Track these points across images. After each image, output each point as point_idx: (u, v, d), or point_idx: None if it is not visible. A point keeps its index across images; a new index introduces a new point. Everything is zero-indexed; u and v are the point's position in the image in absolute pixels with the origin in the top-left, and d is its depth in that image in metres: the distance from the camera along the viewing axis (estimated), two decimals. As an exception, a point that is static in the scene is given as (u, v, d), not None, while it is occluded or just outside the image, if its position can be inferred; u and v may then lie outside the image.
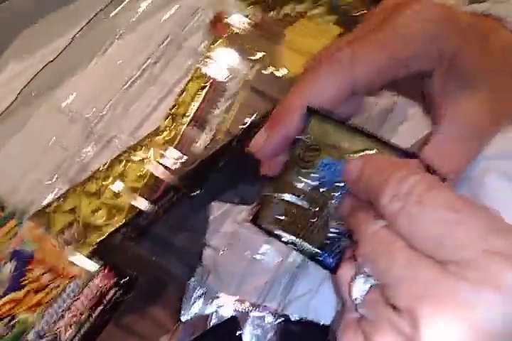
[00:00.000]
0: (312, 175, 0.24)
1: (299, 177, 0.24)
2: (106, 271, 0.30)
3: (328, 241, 0.24)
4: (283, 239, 0.25)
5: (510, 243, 0.16)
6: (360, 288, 0.19)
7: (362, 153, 0.23)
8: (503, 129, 0.29)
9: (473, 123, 0.25)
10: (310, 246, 0.24)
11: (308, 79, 0.24)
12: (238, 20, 0.45)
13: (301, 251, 0.24)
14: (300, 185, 0.24)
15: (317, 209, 0.24)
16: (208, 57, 0.44)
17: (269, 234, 0.25)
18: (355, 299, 0.20)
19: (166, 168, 0.37)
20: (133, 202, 0.35)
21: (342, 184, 0.23)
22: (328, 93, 0.24)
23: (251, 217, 0.25)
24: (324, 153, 0.24)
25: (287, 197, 0.25)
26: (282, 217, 0.25)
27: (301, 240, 0.24)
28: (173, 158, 0.38)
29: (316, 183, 0.24)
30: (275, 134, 0.24)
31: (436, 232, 0.17)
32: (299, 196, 0.24)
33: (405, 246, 0.18)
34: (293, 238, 0.24)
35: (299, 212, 0.24)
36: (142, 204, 0.35)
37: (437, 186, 0.18)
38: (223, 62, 0.44)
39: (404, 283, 0.17)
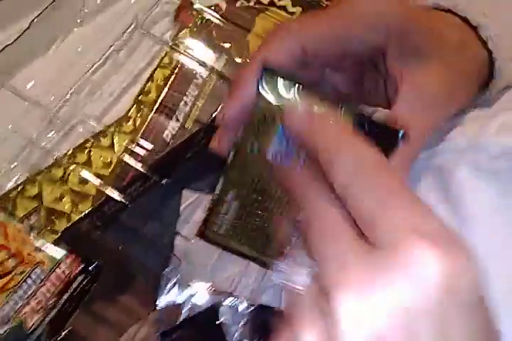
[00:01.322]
0: (272, 147, 0.22)
1: (255, 157, 0.23)
2: (72, 257, 0.30)
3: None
4: (238, 252, 0.23)
5: (433, 229, 0.17)
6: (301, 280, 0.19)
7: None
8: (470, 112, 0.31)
9: (431, 94, 0.26)
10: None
11: (260, 47, 0.26)
12: (204, 9, 0.45)
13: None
14: (255, 172, 0.23)
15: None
16: (174, 45, 0.44)
17: (222, 247, 0.23)
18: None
19: (133, 155, 0.37)
20: (99, 190, 0.34)
21: None
22: (279, 57, 0.25)
23: (198, 232, 0.23)
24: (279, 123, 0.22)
25: (242, 194, 0.23)
26: (235, 226, 0.23)
27: (259, 253, 0.22)
28: (140, 146, 0.38)
29: (275, 158, 0.22)
30: (233, 101, 0.25)
31: (373, 213, 0.17)
32: (256, 193, 0.23)
33: (345, 231, 0.18)
34: (249, 250, 0.22)
35: (255, 219, 0.23)
36: (109, 192, 0.35)
37: (383, 167, 0.18)
38: (190, 51, 0.44)
39: (339, 270, 0.17)
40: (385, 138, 0.22)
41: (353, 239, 0.18)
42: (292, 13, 0.46)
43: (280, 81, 0.22)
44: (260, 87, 0.23)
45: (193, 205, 0.35)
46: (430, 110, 0.26)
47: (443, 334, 0.16)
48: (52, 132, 0.38)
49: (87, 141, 0.37)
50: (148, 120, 0.39)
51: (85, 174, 0.35)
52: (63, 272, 0.29)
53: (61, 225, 0.32)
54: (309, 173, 0.20)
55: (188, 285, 0.24)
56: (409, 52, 0.26)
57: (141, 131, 0.39)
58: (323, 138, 0.20)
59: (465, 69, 0.27)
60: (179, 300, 0.30)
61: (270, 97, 0.23)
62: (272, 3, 0.46)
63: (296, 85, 0.22)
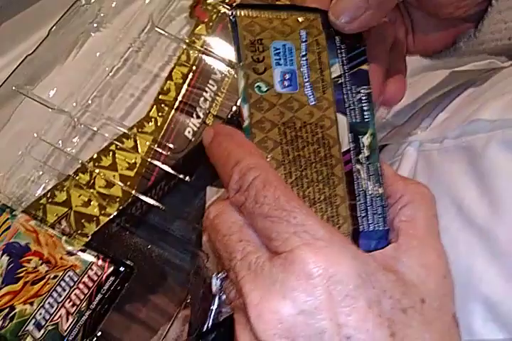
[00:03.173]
0: (275, 76, 0.24)
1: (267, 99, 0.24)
2: (103, 260, 0.31)
3: None
4: None
5: (317, 237, 0.20)
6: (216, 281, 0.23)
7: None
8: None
9: None
10: None
11: None
12: (219, 3, 0.45)
13: None
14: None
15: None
16: (191, 42, 0.45)
17: None
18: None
19: (157, 155, 0.38)
20: (126, 191, 0.35)
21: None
22: None
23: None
24: (268, 39, 0.24)
25: None
26: None
27: None
28: (163, 145, 0.38)
29: (284, 86, 0.24)
30: None
31: (265, 227, 0.20)
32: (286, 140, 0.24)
33: (240, 239, 0.21)
34: None
35: None
36: (135, 193, 0.35)
37: (271, 183, 0.21)
38: (207, 46, 0.44)
39: (239, 276, 0.20)
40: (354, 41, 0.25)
41: (256, 249, 0.21)
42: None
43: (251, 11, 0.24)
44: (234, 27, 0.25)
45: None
46: None
47: (337, 322, 0.19)
48: (77, 137, 0.39)
49: (110, 144, 0.38)
50: (170, 118, 0.40)
51: (111, 177, 0.36)
52: (95, 274, 0.30)
53: (91, 228, 0.33)
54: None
55: (217, 279, 0.24)
56: None
57: (163, 130, 0.39)
58: (222, 152, 0.22)
59: None
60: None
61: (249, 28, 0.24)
62: (287, -8, 0.46)
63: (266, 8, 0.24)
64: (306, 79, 0.24)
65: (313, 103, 0.24)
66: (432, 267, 0.21)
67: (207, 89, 0.43)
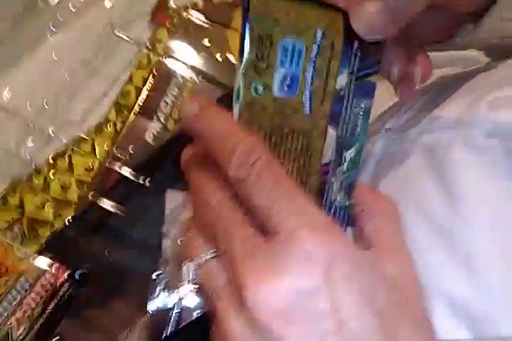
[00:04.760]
0: (276, 79, 0.22)
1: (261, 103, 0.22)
2: (58, 266, 0.30)
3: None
4: None
5: (315, 220, 0.20)
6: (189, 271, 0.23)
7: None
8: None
9: None
10: None
11: None
12: (181, 8, 0.46)
13: None
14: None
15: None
16: (152, 45, 0.45)
17: None
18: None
19: (115, 159, 0.37)
20: (82, 196, 0.35)
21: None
22: None
23: None
24: (278, 34, 0.22)
25: None
26: None
27: None
28: (122, 149, 0.38)
29: (283, 90, 0.22)
30: None
31: (265, 205, 0.20)
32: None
33: (241, 223, 0.21)
34: None
35: None
36: (92, 197, 0.35)
37: (274, 163, 0.21)
38: (169, 50, 0.44)
39: (238, 259, 0.20)
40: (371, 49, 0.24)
41: (252, 231, 0.21)
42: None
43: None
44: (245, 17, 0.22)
45: (180, 205, 0.35)
46: None
47: (334, 305, 0.19)
48: (31, 141, 0.38)
49: (67, 147, 0.38)
50: (129, 122, 0.40)
51: (67, 180, 0.35)
52: (49, 281, 0.29)
53: (44, 234, 0.32)
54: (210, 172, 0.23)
55: (177, 288, 0.24)
56: None
57: (122, 134, 0.39)
58: (217, 127, 0.22)
59: None
60: (169, 303, 0.30)
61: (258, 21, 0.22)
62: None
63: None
64: (308, 86, 0.23)
65: (307, 112, 0.23)
66: (406, 271, 0.22)
67: (167, 93, 0.43)
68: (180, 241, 0.27)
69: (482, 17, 0.28)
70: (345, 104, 0.24)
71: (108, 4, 0.47)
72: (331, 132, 0.24)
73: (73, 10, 0.46)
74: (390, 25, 0.24)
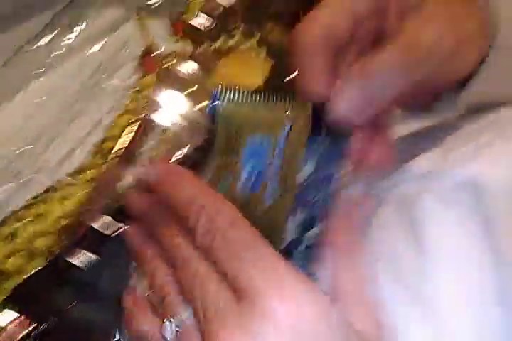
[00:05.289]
0: (242, 175, 0.24)
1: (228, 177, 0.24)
2: (21, 319, 0.28)
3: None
4: None
5: (282, 283, 0.21)
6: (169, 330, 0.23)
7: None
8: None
9: (417, 42, 0.24)
10: None
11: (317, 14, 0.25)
12: (168, 55, 0.46)
13: None
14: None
15: None
16: (138, 91, 0.45)
17: None
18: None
19: (89, 206, 0.36)
20: (51, 246, 0.33)
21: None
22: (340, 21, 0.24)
23: None
24: (246, 133, 0.24)
25: None
26: None
27: None
28: (99, 195, 0.37)
29: (247, 186, 0.24)
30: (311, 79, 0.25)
31: (233, 269, 0.21)
32: None
33: (213, 282, 0.22)
34: None
35: None
36: (61, 247, 0.34)
37: (237, 224, 0.22)
38: (154, 96, 0.44)
39: (211, 316, 0.21)
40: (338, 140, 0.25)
41: (224, 288, 0.21)
42: (257, 54, 0.47)
43: (236, 92, 0.24)
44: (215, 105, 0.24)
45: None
46: (424, 63, 0.24)
47: None
48: (5, 185, 0.37)
49: (42, 192, 0.37)
50: (108, 166, 0.39)
51: (36, 229, 0.34)
52: (10, 336, 0.28)
53: (9, 285, 0.31)
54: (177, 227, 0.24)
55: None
56: (410, 4, 0.25)
57: (101, 179, 0.38)
58: (181, 192, 0.23)
59: (475, 20, 0.26)
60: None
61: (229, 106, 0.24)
62: (236, 46, 0.47)
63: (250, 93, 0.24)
64: (273, 179, 0.24)
65: (269, 203, 0.24)
66: (373, 326, 0.23)
67: (150, 137, 0.42)
68: (147, 295, 0.27)
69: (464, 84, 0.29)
70: (308, 192, 0.25)
71: (96, 48, 0.47)
72: (293, 218, 0.25)
73: (60, 53, 0.47)
74: (367, 111, 0.24)
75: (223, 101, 0.24)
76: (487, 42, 0.27)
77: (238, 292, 0.21)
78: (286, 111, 0.24)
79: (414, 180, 0.29)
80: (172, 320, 0.23)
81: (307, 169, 0.25)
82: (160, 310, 0.24)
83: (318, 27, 0.24)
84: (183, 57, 0.46)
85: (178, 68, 0.46)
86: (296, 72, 0.24)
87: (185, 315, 0.23)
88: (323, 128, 0.24)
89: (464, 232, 0.26)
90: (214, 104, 0.24)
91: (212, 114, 0.24)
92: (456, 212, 0.27)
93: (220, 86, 0.24)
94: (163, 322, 0.23)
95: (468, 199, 0.27)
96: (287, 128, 0.24)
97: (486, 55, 0.27)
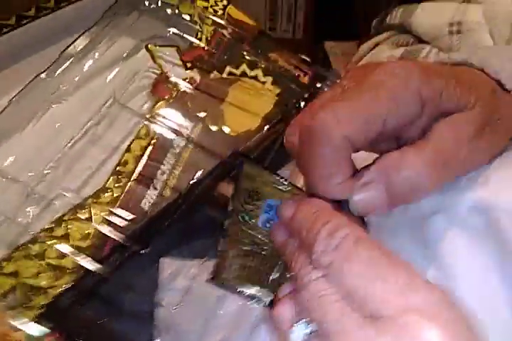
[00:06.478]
0: (261, 219, 0.27)
1: (248, 225, 0.27)
2: (53, 335, 0.30)
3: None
4: (246, 294, 0.26)
5: (426, 300, 0.19)
6: (299, 334, 0.21)
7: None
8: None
9: (449, 145, 0.24)
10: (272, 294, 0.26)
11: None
12: (179, 82, 0.49)
13: (265, 302, 0.26)
14: (252, 233, 0.27)
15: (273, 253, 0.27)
16: (151, 117, 0.47)
17: (231, 290, 0.27)
18: None
19: (112, 226, 0.38)
20: (79, 263, 0.35)
21: None
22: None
23: (211, 276, 0.27)
24: (265, 195, 0.27)
25: (243, 249, 0.27)
26: (242, 271, 0.27)
27: (265, 290, 0.26)
28: (118, 216, 0.39)
29: (265, 226, 0.27)
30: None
31: (361, 288, 0.19)
32: (253, 245, 0.27)
33: (337, 300, 0.20)
34: (257, 288, 0.26)
35: (257, 262, 0.27)
36: (88, 264, 0.35)
37: (363, 241, 0.21)
38: (167, 122, 0.47)
39: (335, 336, 0.19)
40: None
41: (349, 308, 0.19)
42: (264, 82, 0.50)
43: (256, 166, 0.27)
44: (239, 168, 0.27)
45: (174, 273, 0.36)
46: (442, 170, 0.24)
47: None
48: (30, 207, 0.39)
49: (64, 214, 0.39)
50: (126, 190, 0.41)
51: (63, 248, 0.36)
52: (41, 352, 0.29)
53: (39, 302, 0.33)
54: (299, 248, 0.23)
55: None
56: (444, 108, 0.25)
57: (119, 201, 0.40)
58: (303, 219, 0.23)
59: (503, 113, 0.26)
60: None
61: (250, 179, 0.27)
62: (243, 74, 0.50)
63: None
64: None
65: None
66: None
67: (164, 162, 0.45)
68: (175, 309, 0.27)
69: None
70: None
71: (110, 76, 0.50)
72: None
73: (76, 79, 0.49)
74: (386, 207, 0.24)
75: (246, 167, 0.27)
76: None
77: (364, 312, 0.19)
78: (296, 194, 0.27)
79: (426, 202, 0.29)
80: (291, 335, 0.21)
81: None
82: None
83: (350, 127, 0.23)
84: (193, 85, 0.49)
85: (189, 94, 0.49)
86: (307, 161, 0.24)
87: (304, 330, 0.21)
88: None
89: (477, 253, 0.27)
90: (239, 166, 0.27)
91: (238, 174, 0.27)
92: (469, 234, 0.27)
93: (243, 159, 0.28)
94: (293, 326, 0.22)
95: (480, 222, 0.27)
96: None
97: None
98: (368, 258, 0.20)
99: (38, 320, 0.31)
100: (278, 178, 0.27)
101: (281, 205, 0.26)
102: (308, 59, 0.50)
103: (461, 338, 0.18)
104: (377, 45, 0.55)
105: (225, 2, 0.51)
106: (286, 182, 0.27)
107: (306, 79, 0.50)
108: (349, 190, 0.24)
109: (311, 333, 0.21)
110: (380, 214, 0.25)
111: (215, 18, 0.52)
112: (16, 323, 0.31)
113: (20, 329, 0.31)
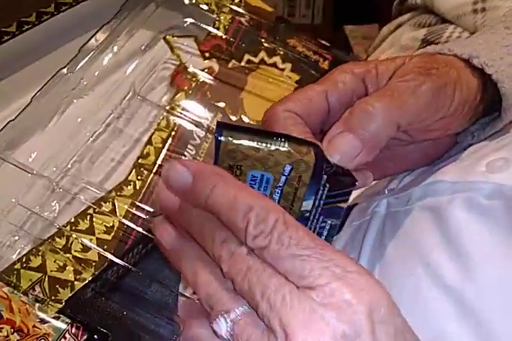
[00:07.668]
0: None
1: None
2: (77, 327, 0.30)
3: None
4: None
5: (343, 270, 0.21)
6: (223, 326, 0.23)
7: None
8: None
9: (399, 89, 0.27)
10: None
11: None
12: (198, 72, 0.49)
13: None
14: None
15: None
16: (171, 108, 0.47)
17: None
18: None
19: (134, 218, 0.38)
20: (103, 255, 0.36)
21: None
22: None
23: None
24: (247, 167, 0.24)
25: None
26: None
27: None
28: (141, 208, 0.39)
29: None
30: None
31: (295, 266, 0.21)
32: None
33: (274, 274, 0.22)
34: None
35: None
36: (111, 257, 0.36)
37: (292, 226, 0.22)
38: (186, 113, 0.47)
39: (276, 306, 0.21)
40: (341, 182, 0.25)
41: (284, 281, 0.22)
42: (283, 69, 0.49)
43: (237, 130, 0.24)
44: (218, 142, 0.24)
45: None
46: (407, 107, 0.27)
47: None
48: (55, 202, 0.40)
49: (88, 207, 0.39)
50: (148, 182, 0.41)
51: (88, 241, 0.36)
52: (69, 342, 0.30)
53: (65, 294, 0.33)
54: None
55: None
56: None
57: (142, 194, 0.40)
58: (223, 194, 0.22)
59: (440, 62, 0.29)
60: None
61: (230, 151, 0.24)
62: (262, 62, 0.50)
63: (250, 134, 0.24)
64: None
65: None
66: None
67: (185, 153, 0.45)
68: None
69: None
70: (309, 224, 0.26)
71: (129, 69, 0.50)
72: None
73: (96, 74, 0.49)
74: (364, 153, 0.26)
75: (225, 137, 0.23)
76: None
77: (302, 287, 0.21)
78: (288, 155, 0.24)
79: (444, 190, 0.30)
80: (226, 315, 0.22)
81: (307, 204, 0.25)
82: (208, 308, 0.24)
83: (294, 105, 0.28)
84: (212, 75, 0.48)
85: (208, 84, 0.48)
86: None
87: (242, 309, 0.22)
88: (324, 174, 0.25)
89: (499, 233, 0.27)
90: (217, 138, 0.24)
91: (217, 146, 0.24)
92: (489, 215, 0.27)
93: (219, 122, 0.24)
94: (215, 319, 0.23)
95: (499, 204, 0.27)
96: (288, 169, 0.24)
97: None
98: (299, 240, 0.22)
99: (63, 312, 0.31)
100: (259, 138, 0.24)
101: (170, 165, 0.23)
102: (327, 44, 0.49)
103: (380, 306, 0.21)
104: (399, 26, 0.53)
105: (241, -11, 0.51)
106: (267, 140, 0.24)
107: (326, 64, 0.49)
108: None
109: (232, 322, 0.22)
110: (367, 159, 0.26)
111: (232, 6, 0.51)
112: (43, 316, 0.31)
113: (49, 322, 0.31)
